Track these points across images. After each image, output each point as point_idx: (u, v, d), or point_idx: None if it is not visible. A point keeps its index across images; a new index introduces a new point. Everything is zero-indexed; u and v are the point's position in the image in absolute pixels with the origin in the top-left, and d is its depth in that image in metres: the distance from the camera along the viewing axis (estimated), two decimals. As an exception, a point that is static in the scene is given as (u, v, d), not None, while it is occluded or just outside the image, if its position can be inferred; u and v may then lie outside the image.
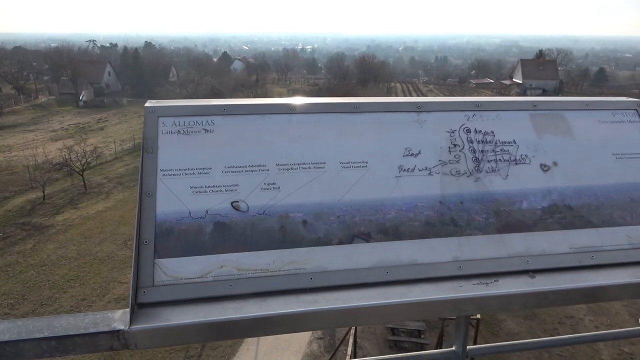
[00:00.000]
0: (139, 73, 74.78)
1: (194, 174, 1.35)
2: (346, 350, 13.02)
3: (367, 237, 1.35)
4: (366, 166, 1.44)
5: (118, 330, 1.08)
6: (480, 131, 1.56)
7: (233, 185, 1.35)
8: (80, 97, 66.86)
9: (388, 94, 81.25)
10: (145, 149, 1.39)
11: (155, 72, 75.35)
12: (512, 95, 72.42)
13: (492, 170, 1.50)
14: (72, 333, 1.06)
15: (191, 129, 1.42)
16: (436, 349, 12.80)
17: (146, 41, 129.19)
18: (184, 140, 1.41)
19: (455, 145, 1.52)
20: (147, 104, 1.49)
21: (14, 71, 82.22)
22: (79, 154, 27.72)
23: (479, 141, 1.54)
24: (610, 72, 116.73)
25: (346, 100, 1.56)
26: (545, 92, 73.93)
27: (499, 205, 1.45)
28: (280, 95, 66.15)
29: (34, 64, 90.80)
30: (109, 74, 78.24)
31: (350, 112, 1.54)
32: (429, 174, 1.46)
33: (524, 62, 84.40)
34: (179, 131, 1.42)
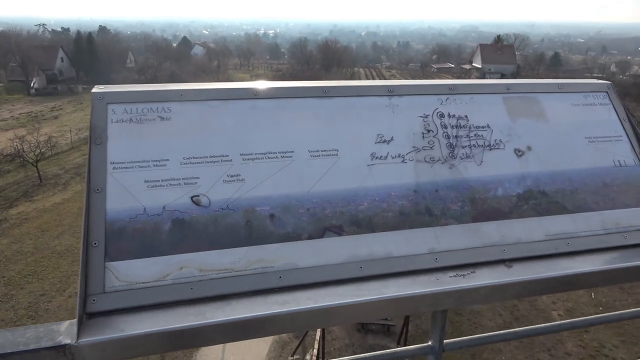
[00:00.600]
0: (94, 59, 71.77)
1: (148, 166, 1.25)
2: (314, 334, 13.13)
3: (339, 231, 1.30)
4: (337, 154, 1.38)
5: (64, 345, 0.96)
6: (453, 115, 1.51)
7: (193, 177, 1.26)
8: (32, 85, 63.55)
9: (352, 79, 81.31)
10: (92, 139, 1.26)
11: (112, 58, 72.60)
12: (471, 79, 74.03)
13: (467, 157, 1.47)
14: (9, 351, 0.93)
15: (145, 117, 1.30)
16: (400, 339, 13.04)
17: (100, 25, 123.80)
18: (137, 130, 1.29)
19: (428, 131, 1.47)
20: (94, 89, 1.34)
21: (-44, 57, 77.36)
22: (32, 144, 26.47)
23: (452, 126, 1.50)
24: (564, 56, 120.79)
25: (314, 84, 1.48)
26: (503, 77, 75.83)
27: (474, 192, 1.43)
28: (244, 81, 64.74)
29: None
30: (62, 60, 74.62)
31: (318, 96, 1.46)
32: (403, 161, 1.42)
33: (483, 47, 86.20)
34: (131, 119, 1.30)
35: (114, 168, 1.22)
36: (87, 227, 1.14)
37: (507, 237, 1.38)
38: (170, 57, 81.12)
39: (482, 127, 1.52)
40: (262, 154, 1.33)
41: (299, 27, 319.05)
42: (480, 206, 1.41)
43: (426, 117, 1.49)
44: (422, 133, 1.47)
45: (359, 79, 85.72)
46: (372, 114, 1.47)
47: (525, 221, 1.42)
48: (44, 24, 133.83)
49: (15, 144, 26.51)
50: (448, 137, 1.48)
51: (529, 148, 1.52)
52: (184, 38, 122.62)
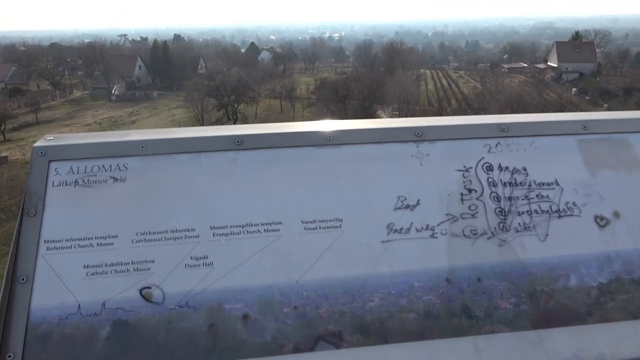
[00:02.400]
0: (168, 66, 75.91)
1: (91, 245, 1.00)
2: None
3: (337, 341, 0.96)
4: (340, 226, 1.06)
5: None
6: (506, 168, 1.13)
7: (145, 261, 0.99)
8: (113, 91, 68.47)
9: (417, 81, 79.79)
10: (25, 210, 1.01)
11: (184, 65, 76.33)
12: (547, 80, 69.98)
13: (525, 228, 1.08)
14: None
15: (94, 178, 1.05)
16: None
17: (175, 34, 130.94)
18: (82, 195, 1.04)
19: (470, 191, 1.11)
20: (36, 143, 1.10)
21: (50, 67, 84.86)
22: (111, 148, 28.38)
23: (505, 183, 1.12)
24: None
25: (314, 129, 1.17)
26: (582, 76, 71.07)
27: (534, 282, 1.04)
28: (308, 85, 66.01)
29: (69, 59, 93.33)
30: (140, 68, 79.71)
31: (320, 145, 1.13)
32: (432, 235, 1.06)
33: (559, 45, 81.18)
34: (76, 181, 1.05)
35: (47, 248, 0.98)
36: (4, 331, 0.90)
37: (586, 352, 0.97)
38: (238, 62, 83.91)
39: (548, 184, 1.12)
40: (239, 226, 1.04)
41: (364, 29, 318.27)
42: (545, 304, 1.02)
43: (467, 170, 1.13)
44: (461, 194, 1.11)
45: (425, 80, 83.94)
46: (391, 168, 1.12)
47: (612, 327, 1.01)
48: (125, 35, 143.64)
49: (96, 147, 28.53)
50: (498, 199, 1.11)
51: (616, 215, 1.11)
52: (252, 44, 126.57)
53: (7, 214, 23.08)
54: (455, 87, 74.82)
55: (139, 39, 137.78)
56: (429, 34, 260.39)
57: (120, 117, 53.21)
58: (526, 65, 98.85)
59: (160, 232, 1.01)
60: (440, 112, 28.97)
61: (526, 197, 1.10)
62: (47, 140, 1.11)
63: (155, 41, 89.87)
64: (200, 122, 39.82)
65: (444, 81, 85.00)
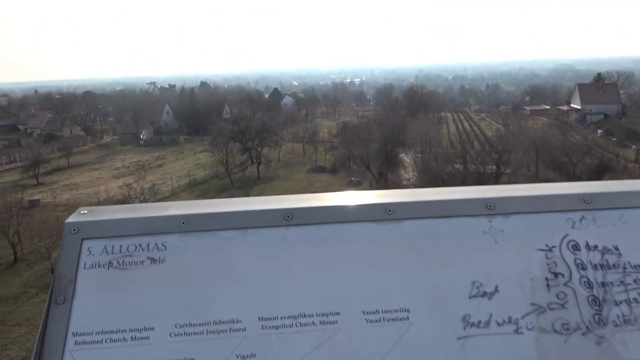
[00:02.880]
0: (194, 111, 78.36)
1: (124, 339, 0.88)
2: None
3: None
4: (407, 318, 0.91)
5: None
6: (595, 247, 0.96)
7: (185, 359, 0.87)
8: (141, 136, 70.75)
9: (439, 124, 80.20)
10: (53, 297, 0.91)
11: (210, 110, 78.64)
12: (571, 121, 69.40)
13: (626, 322, 0.90)
14: None
15: (130, 259, 0.95)
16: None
17: (202, 81, 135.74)
18: (117, 280, 0.93)
19: (556, 275, 0.94)
20: (68, 219, 1.03)
21: (83, 114, 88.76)
22: (138, 191, 29.02)
23: (595, 265, 0.95)
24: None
25: (372, 200, 1.05)
26: (607, 117, 70.30)
27: None
28: (330, 129, 67.05)
29: (101, 106, 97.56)
30: (167, 114, 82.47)
31: (379, 220, 1.00)
32: (516, 330, 0.89)
33: (581, 87, 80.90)
34: (110, 263, 0.95)
35: (75, 342, 0.87)
36: None
37: None
38: (262, 107, 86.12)
39: None
40: (291, 317, 0.91)
41: (384, 74, 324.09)
42: None
43: (550, 250, 0.97)
44: (546, 279, 0.94)
45: (447, 124, 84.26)
46: (462, 247, 0.99)
47: None
48: (154, 82, 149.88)
49: (123, 191, 29.25)
50: (589, 285, 0.93)
51: None
52: (275, 89, 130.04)
53: (35, 256, 23.60)
54: (478, 129, 74.78)
55: (167, 86, 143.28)
56: (449, 77, 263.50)
57: (148, 161, 54.64)
58: (548, 107, 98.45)
59: (202, 324, 0.89)
60: (463, 155, 28.90)
61: (622, 282, 0.93)
62: (81, 214, 1.03)
63: (182, 88, 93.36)
64: (225, 165, 40.57)
65: (465, 124, 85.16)
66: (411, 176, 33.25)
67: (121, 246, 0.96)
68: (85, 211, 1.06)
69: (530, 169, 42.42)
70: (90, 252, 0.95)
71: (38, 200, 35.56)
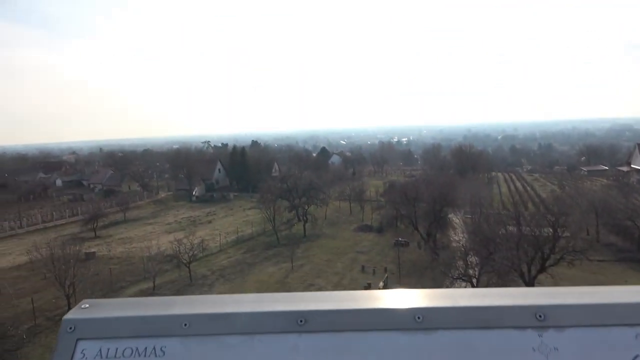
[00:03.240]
0: (245, 169, 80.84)
1: None
2: None
3: None
4: None
5: None
6: None
7: None
8: (193, 193, 73.43)
9: (489, 184, 78.28)
10: None
11: (260, 168, 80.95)
12: (632, 183, 65.77)
13: None
14: None
15: None
16: None
17: (253, 140, 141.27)
18: None
19: None
20: (67, 315, 0.95)
21: (141, 170, 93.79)
22: (187, 247, 29.65)
23: None
24: None
25: (398, 304, 0.91)
26: (673, 179, 66.17)
27: None
28: (377, 188, 67.01)
29: (158, 163, 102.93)
30: (219, 171, 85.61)
31: (406, 329, 0.87)
32: None
33: (642, 147, 77.32)
34: None
35: None
36: None
37: None
38: (310, 166, 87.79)
39: None
40: None
41: (432, 133, 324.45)
42: None
43: None
44: None
45: (498, 183, 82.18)
46: None
47: None
48: (208, 141, 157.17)
49: (174, 245, 29.98)
50: None
51: None
52: (323, 148, 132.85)
53: (88, 308, 24.31)
54: (531, 190, 72.27)
55: (220, 144, 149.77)
56: (499, 137, 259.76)
57: (198, 216, 56.19)
58: (607, 168, 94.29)
59: None
60: (517, 216, 27.79)
61: None
62: (81, 309, 0.95)
63: (234, 146, 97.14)
64: (272, 222, 41.04)
65: (518, 184, 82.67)
66: (461, 237, 32.18)
67: (117, 349, 0.87)
68: (87, 305, 0.97)
69: (590, 233, 40.06)
70: (84, 354, 0.87)
71: (94, 252, 37.05)
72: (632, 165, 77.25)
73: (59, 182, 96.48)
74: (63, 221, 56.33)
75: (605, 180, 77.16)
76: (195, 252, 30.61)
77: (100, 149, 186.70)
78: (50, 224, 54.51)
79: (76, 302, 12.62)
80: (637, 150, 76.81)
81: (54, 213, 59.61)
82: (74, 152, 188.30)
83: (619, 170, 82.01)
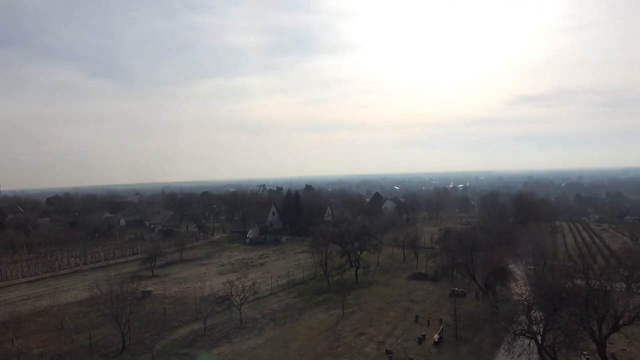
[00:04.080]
0: (298, 213, 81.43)
1: None
2: None
3: None
4: None
5: None
6: None
7: None
8: (247, 235, 74.66)
9: (552, 233, 73.98)
10: None
11: (313, 212, 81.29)
12: None
13: None
14: None
15: None
16: None
17: (307, 184, 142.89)
18: None
19: None
20: None
21: (199, 212, 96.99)
22: (239, 289, 29.77)
23: None
24: None
25: None
26: None
27: None
28: (432, 235, 65.12)
29: (215, 206, 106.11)
30: (273, 214, 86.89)
31: None
32: None
33: None
34: None
35: None
36: None
37: None
38: (363, 210, 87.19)
39: None
40: None
41: (490, 180, 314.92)
42: None
43: None
44: None
45: (562, 233, 77.57)
46: None
47: None
48: (264, 185, 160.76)
49: (226, 287, 30.21)
50: None
51: None
52: (376, 193, 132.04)
53: (140, 347, 24.65)
54: (600, 241, 67.50)
55: (274, 188, 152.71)
56: (562, 184, 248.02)
57: (251, 259, 56.72)
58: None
59: None
60: (585, 269, 25.78)
61: None
62: None
63: (288, 190, 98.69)
64: (323, 267, 40.57)
65: (584, 234, 77.61)
66: (523, 290, 30.18)
67: None
68: None
69: (670, 290, 36.44)
70: None
71: (150, 291, 38.05)
72: None
73: (122, 222, 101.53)
74: (124, 259, 58.74)
75: (685, 233, 70.89)
76: (247, 294, 30.66)
77: (162, 190, 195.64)
78: (112, 262, 56.95)
79: (131, 340, 12.84)
80: None
81: (116, 251, 62.42)
82: (138, 193, 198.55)
83: (701, 222, 75.29)
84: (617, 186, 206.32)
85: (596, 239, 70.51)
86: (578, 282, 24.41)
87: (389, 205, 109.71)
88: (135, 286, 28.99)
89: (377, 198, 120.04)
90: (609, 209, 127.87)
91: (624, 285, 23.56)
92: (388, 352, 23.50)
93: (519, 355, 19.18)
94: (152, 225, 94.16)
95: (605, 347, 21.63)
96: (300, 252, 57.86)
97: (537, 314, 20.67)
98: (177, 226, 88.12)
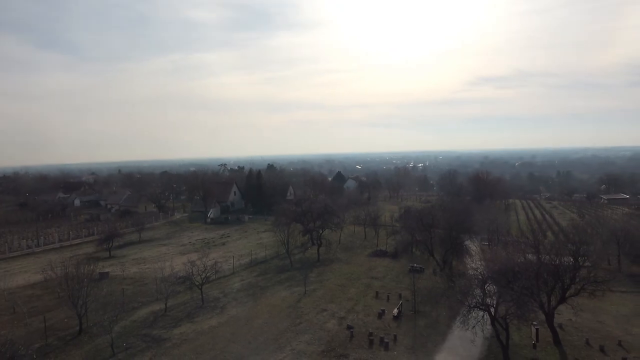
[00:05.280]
0: (260, 192, 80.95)
1: None
2: None
3: None
4: None
5: None
6: None
7: None
8: (208, 215, 73.66)
9: (507, 211, 76.99)
10: None
11: (275, 191, 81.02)
12: (655, 213, 63.97)
13: None
14: None
15: None
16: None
17: (269, 163, 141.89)
18: None
19: None
20: None
21: (158, 192, 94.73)
22: (200, 269, 29.48)
23: None
24: None
25: None
26: (698, 209, 64.25)
27: None
28: (392, 213, 66.35)
29: (174, 186, 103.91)
30: (235, 194, 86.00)
31: None
32: None
33: (665, 176, 75.53)
34: None
35: None
36: None
37: None
38: (325, 190, 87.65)
39: None
40: None
41: (448, 160, 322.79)
42: None
43: None
44: None
45: (515, 210, 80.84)
46: None
47: None
48: (225, 164, 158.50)
49: (187, 267, 29.85)
50: None
51: None
52: (339, 173, 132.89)
53: (98, 329, 24.07)
54: (550, 218, 70.84)
55: (236, 168, 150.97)
56: (516, 164, 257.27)
57: (213, 239, 56.15)
58: (628, 196, 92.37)
59: None
60: (536, 245, 27.10)
61: None
62: None
63: (250, 170, 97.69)
64: (286, 246, 40.72)
65: (536, 212, 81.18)
66: (478, 265, 31.41)
67: None
68: None
69: (611, 263, 38.87)
70: None
71: (107, 273, 37.11)
72: (654, 195, 75.47)
73: (77, 202, 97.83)
74: (79, 240, 56.82)
75: (626, 209, 75.39)
76: (209, 274, 30.40)
77: (119, 170, 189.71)
78: (67, 243, 54.98)
79: (88, 322, 12.47)
80: (659, 179, 75.10)
81: (71, 232, 60.22)
82: (93, 173, 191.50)
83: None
84: (567, 165, 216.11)
85: (547, 216, 73.89)
86: (529, 256, 25.58)
87: (351, 184, 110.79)
88: (92, 267, 28.15)
89: (340, 177, 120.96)
90: (559, 187, 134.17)
91: (571, 259, 24.92)
92: (349, 327, 24.02)
93: (473, 327, 20.00)
94: (109, 206, 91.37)
95: (554, 318, 22.94)
96: (263, 231, 57.75)
97: (490, 287, 21.56)
98: (135, 206, 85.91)
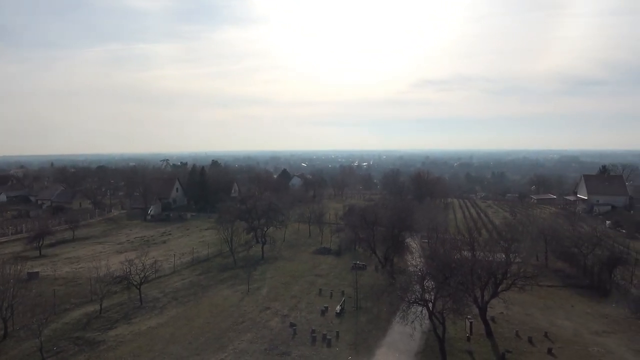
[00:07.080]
0: (203, 189, 79.18)
1: None
2: None
3: None
4: None
5: None
6: None
7: None
8: (149, 212, 71.09)
9: (445, 209, 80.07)
10: None
11: (219, 188, 79.50)
12: (578, 212, 69.03)
13: None
14: None
15: None
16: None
17: (213, 160, 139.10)
18: None
19: None
20: None
21: (94, 188, 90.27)
22: (139, 268, 28.45)
23: None
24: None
25: None
26: (614, 209, 69.97)
27: None
28: (337, 211, 67.18)
29: (112, 181, 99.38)
30: (177, 190, 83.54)
31: None
32: None
33: (587, 178, 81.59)
34: None
35: None
36: None
37: None
38: (270, 187, 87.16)
39: None
40: None
41: (391, 159, 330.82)
42: None
43: None
44: None
45: (453, 209, 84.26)
46: None
47: None
48: (167, 160, 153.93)
49: (124, 266, 28.71)
50: None
51: None
52: (284, 170, 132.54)
53: (26, 332, 22.57)
54: (485, 216, 74.46)
55: (179, 163, 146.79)
56: (455, 164, 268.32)
57: (153, 236, 54.34)
58: (555, 196, 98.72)
59: None
60: (471, 242, 28.47)
61: None
62: None
63: (193, 166, 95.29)
64: (229, 244, 40.15)
65: (472, 210, 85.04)
66: (418, 262, 32.53)
67: None
68: None
69: (539, 259, 41.47)
70: None
71: (37, 273, 34.93)
72: (578, 195, 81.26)
73: (3, 197, 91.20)
74: (5, 239, 52.98)
75: (553, 209, 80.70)
76: (148, 273, 29.41)
77: (52, 163, 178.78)
78: (-9, 242, 51.22)
79: (14, 326, 11.72)
80: (582, 181, 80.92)
81: (-4, 230, 56.19)
82: (22, 166, 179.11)
83: (566, 199, 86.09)
84: (501, 166, 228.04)
85: (482, 215, 77.57)
86: (465, 253, 26.80)
87: (296, 182, 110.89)
88: (19, 267, 26.44)
89: (285, 175, 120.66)
90: (494, 187, 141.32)
91: (504, 256, 26.40)
92: (292, 325, 24.10)
93: (412, 322, 20.66)
94: (40, 202, 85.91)
95: (487, 311, 24.20)
96: (206, 229, 56.59)
97: (429, 283, 22.36)
98: (68, 202, 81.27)
